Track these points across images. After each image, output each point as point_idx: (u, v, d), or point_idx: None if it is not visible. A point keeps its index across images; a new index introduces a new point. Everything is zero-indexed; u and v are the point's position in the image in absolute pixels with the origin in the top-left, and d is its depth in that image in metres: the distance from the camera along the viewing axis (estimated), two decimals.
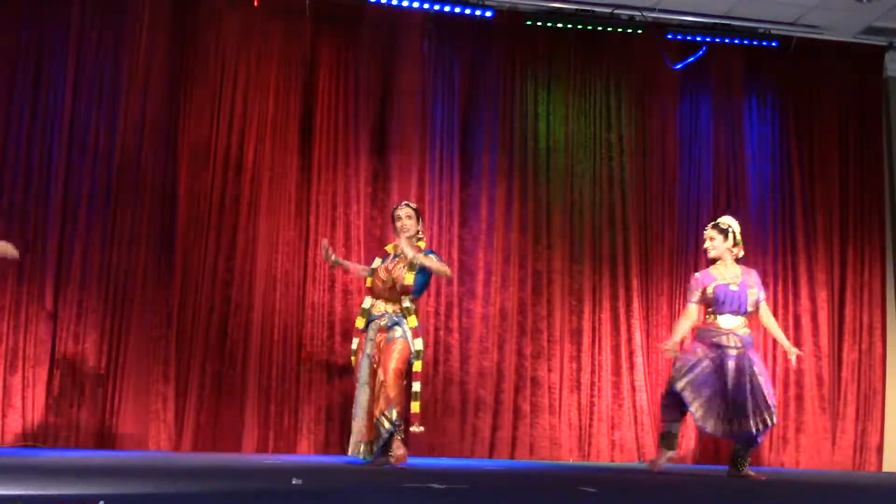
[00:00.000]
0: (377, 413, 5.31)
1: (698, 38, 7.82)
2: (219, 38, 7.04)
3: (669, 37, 7.78)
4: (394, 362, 5.35)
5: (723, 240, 5.64)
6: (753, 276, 5.66)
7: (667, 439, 5.62)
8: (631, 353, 7.34)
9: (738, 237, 5.69)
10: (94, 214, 6.63)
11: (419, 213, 5.74)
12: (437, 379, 7.03)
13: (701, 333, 5.64)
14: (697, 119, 7.90)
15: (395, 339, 5.44)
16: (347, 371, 6.86)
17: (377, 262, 5.66)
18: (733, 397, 5.34)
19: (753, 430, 5.30)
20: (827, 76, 8.01)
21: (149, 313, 6.64)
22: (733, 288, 5.50)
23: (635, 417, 7.24)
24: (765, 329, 6.05)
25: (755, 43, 7.85)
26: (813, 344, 7.61)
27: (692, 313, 5.71)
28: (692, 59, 7.83)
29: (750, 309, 5.56)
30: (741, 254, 5.71)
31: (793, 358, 5.66)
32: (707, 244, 5.71)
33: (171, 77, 6.93)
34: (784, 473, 6.66)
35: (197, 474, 4.47)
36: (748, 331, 5.57)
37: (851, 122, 8.04)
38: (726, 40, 7.82)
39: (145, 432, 6.46)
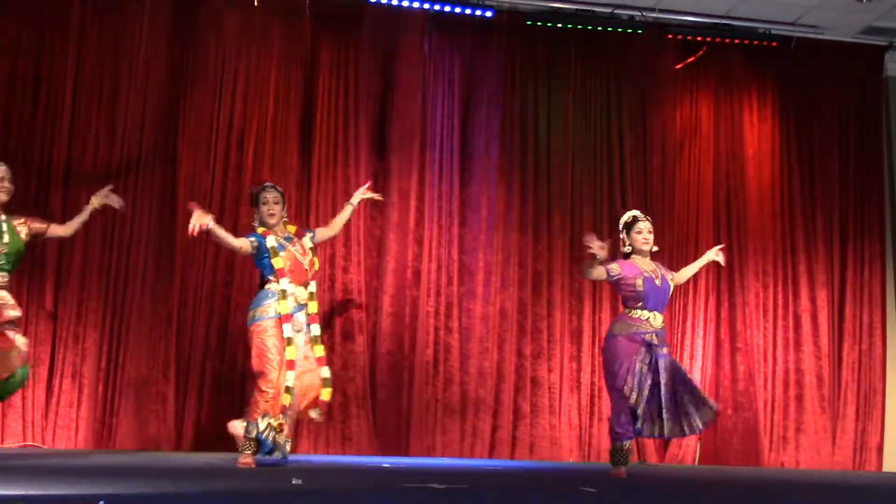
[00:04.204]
0: (310, 416, 5.33)
1: (698, 38, 7.82)
2: (219, 38, 7.04)
3: (669, 37, 7.78)
4: (323, 372, 5.32)
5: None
6: (664, 268, 5.53)
7: (622, 456, 5.31)
8: None
9: None
10: (94, 214, 6.62)
11: (284, 198, 5.55)
12: (437, 379, 7.03)
13: (625, 325, 5.37)
14: (697, 119, 7.90)
15: (313, 340, 5.35)
16: (345, 369, 6.86)
17: (272, 239, 5.28)
18: (672, 398, 5.22)
19: (697, 428, 5.24)
20: (827, 76, 8.02)
21: (149, 313, 6.64)
22: (657, 282, 5.34)
23: None
24: (693, 277, 5.98)
25: (755, 43, 7.85)
26: (813, 344, 7.61)
27: (601, 272, 5.40)
28: (692, 59, 7.84)
29: (668, 302, 5.52)
30: (655, 248, 5.54)
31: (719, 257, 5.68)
32: (649, 237, 5.41)
33: (171, 77, 6.93)
34: (784, 473, 6.66)
35: (197, 474, 4.47)
36: (664, 326, 5.43)
37: (851, 122, 8.04)
38: (726, 40, 7.82)
39: (145, 432, 6.46)
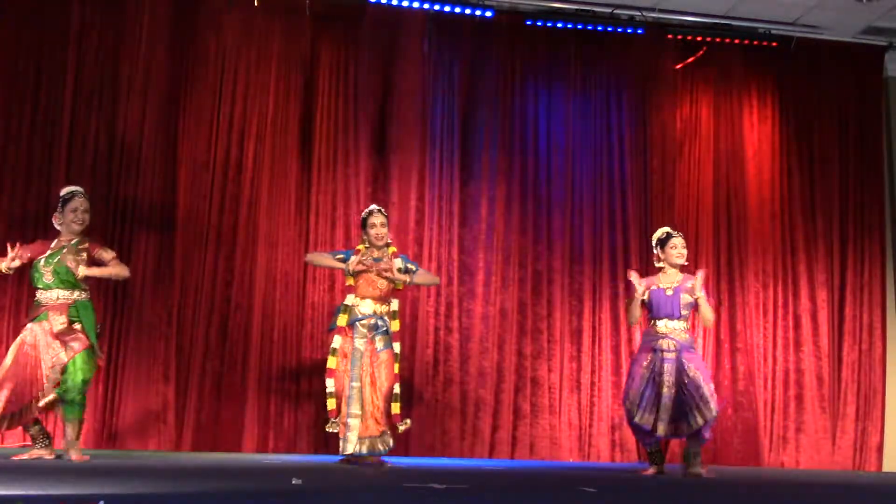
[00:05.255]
0: (374, 431, 5.40)
1: (698, 38, 7.83)
2: (219, 38, 7.04)
3: (669, 37, 7.78)
4: (387, 381, 5.49)
5: None
6: (692, 279, 5.68)
7: (653, 457, 5.68)
8: (631, 353, 7.32)
9: None
10: (94, 215, 6.61)
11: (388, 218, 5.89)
12: (437, 379, 7.03)
13: (644, 338, 5.79)
14: (697, 119, 7.90)
15: (385, 351, 5.53)
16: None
17: (354, 259, 5.59)
18: (672, 398, 5.45)
19: (696, 426, 5.39)
20: (827, 76, 8.02)
21: (149, 313, 6.64)
22: (668, 292, 5.62)
23: None
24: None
25: (755, 43, 7.85)
26: (813, 344, 7.61)
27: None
28: (692, 59, 7.84)
29: (684, 312, 5.62)
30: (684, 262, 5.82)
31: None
32: (683, 251, 5.77)
33: (171, 77, 6.93)
34: (784, 473, 6.66)
35: (197, 474, 4.47)
36: (686, 335, 5.63)
37: (851, 122, 8.05)
38: (726, 40, 7.83)
39: (145, 432, 6.47)
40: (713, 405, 5.44)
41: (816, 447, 7.45)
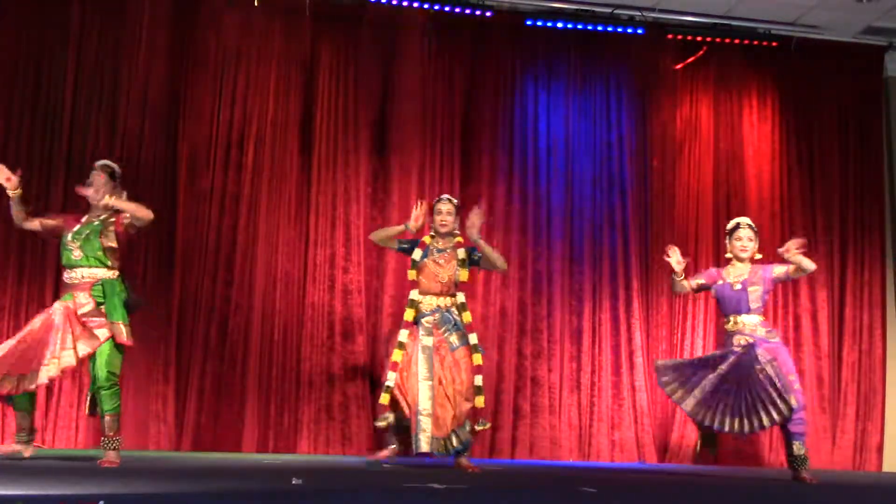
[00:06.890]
0: (451, 425, 5.20)
1: (698, 38, 7.83)
2: (219, 38, 7.04)
3: (669, 37, 7.78)
4: (467, 379, 5.29)
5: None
6: (759, 272, 5.50)
7: (706, 440, 5.58)
8: (631, 353, 7.34)
9: None
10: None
11: (458, 209, 5.70)
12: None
13: (722, 339, 5.64)
14: (697, 119, 7.90)
15: (461, 348, 5.35)
16: (345, 369, 6.87)
17: (418, 253, 5.48)
18: (736, 393, 5.26)
19: (769, 422, 5.21)
20: (827, 76, 8.02)
21: (149, 313, 6.62)
22: (735, 287, 5.45)
23: (635, 417, 7.24)
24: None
25: (755, 43, 7.86)
26: (813, 344, 7.61)
27: (683, 285, 5.66)
28: (692, 59, 7.84)
29: (754, 305, 5.44)
30: (759, 255, 5.61)
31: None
32: (748, 244, 5.51)
33: (171, 77, 6.93)
34: (784, 473, 6.66)
35: (197, 474, 4.47)
36: (762, 328, 5.45)
37: (851, 122, 8.05)
38: (726, 40, 7.83)
39: (145, 432, 6.46)
40: (792, 399, 5.17)
41: (816, 447, 7.43)
